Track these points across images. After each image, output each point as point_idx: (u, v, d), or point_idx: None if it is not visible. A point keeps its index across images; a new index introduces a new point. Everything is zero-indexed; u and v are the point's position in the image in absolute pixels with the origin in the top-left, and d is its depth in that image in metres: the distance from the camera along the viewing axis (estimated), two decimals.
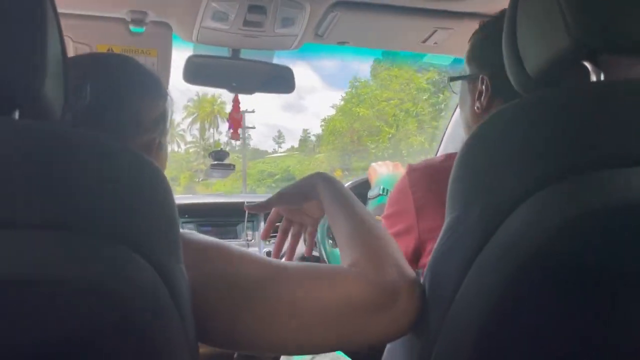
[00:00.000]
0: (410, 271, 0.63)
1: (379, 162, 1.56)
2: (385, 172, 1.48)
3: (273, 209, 0.93)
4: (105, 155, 0.46)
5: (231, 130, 1.53)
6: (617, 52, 0.58)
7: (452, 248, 0.57)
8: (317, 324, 0.59)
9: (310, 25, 1.20)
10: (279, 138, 38.32)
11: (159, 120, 0.79)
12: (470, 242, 0.53)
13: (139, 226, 0.45)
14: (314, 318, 0.59)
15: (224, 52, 1.41)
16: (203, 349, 0.64)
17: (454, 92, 1.06)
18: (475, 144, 0.58)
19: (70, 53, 1.18)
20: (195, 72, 1.33)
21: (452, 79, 1.03)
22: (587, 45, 0.56)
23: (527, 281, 0.49)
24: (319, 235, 1.54)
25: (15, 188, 0.40)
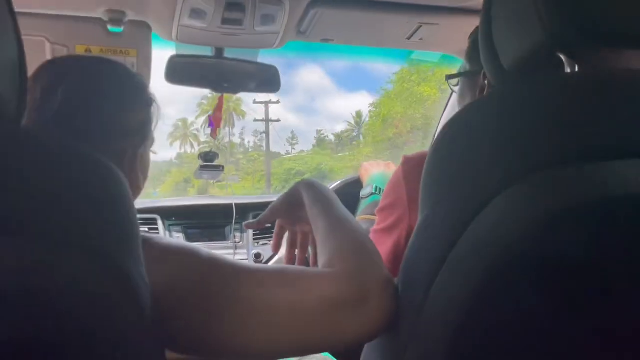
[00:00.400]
0: (383, 270, 0.62)
1: (371, 162, 1.56)
2: (377, 171, 1.47)
3: (277, 222, 0.93)
4: (58, 158, 0.44)
5: (210, 129, 1.52)
6: (592, 44, 0.56)
7: (424, 246, 0.55)
8: (289, 326, 0.58)
9: (291, 22, 1.19)
10: (292, 140, 37.15)
11: (134, 131, 0.77)
12: (441, 239, 0.52)
13: (94, 231, 0.43)
14: (286, 320, 0.58)
15: (208, 52, 1.39)
16: (175, 356, 0.63)
17: (454, 91, 1.05)
18: (446, 140, 0.56)
19: (48, 54, 1.17)
20: (177, 72, 1.32)
21: (451, 76, 1.02)
22: (561, 37, 0.54)
23: (500, 278, 0.47)
24: None
25: None
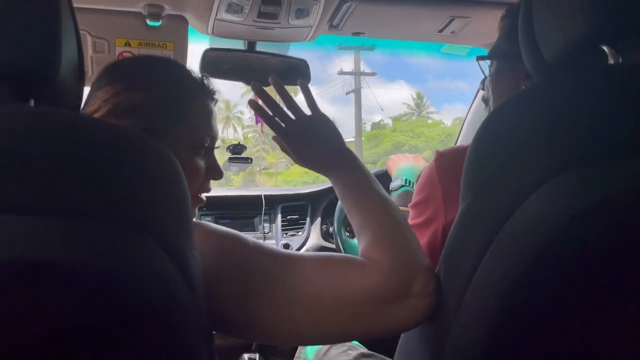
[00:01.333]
0: (425, 260, 0.62)
1: (398, 155, 1.55)
2: (405, 163, 1.47)
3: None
4: (118, 143, 0.46)
5: (259, 124, 1.54)
6: (635, 36, 0.56)
7: (466, 236, 0.56)
8: (332, 315, 0.59)
9: (324, 16, 1.20)
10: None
11: (132, 111, 0.73)
12: (484, 229, 0.53)
13: (153, 213, 0.45)
14: (329, 309, 0.59)
15: (240, 45, 1.41)
16: (221, 341, 0.65)
17: (484, 74, 1.00)
18: (489, 131, 0.57)
19: (89, 47, 1.20)
20: (211, 65, 1.34)
21: (483, 57, 0.96)
22: (605, 29, 0.55)
23: (542, 268, 0.48)
24: (335, 225, 1.54)
25: (30, 175, 0.40)
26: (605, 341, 0.49)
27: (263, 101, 0.82)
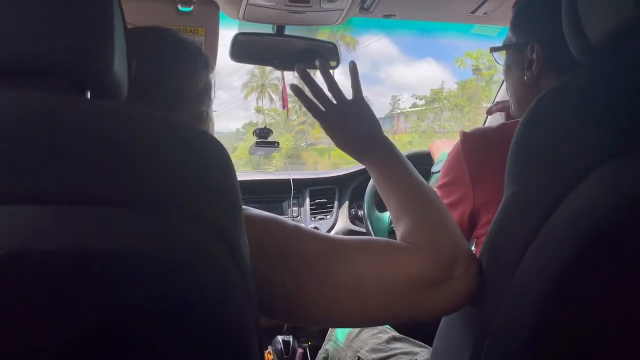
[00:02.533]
0: (465, 244, 0.62)
1: (442, 139, 1.55)
2: (449, 148, 1.47)
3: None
4: (174, 135, 0.47)
5: (287, 109, 1.54)
6: None
7: (512, 222, 0.56)
8: (375, 299, 0.60)
9: None
10: None
11: (202, 91, 0.78)
12: (531, 216, 0.52)
13: (205, 201, 0.46)
14: (372, 293, 0.59)
15: (269, 29, 1.41)
16: (265, 321, 0.66)
17: (498, 63, 1.01)
18: (536, 117, 0.56)
19: None
20: (241, 50, 1.35)
21: (495, 48, 0.97)
22: None
23: (590, 256, 0.48)
24: (365, 209, 1.55)
25: (91, 167, 0.41)
26: None
27: (306, 84, 0.81)
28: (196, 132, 0.49)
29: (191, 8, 1.20)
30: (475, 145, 0.90)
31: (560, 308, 0.50)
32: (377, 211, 1.57)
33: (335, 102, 0.79)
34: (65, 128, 0.41)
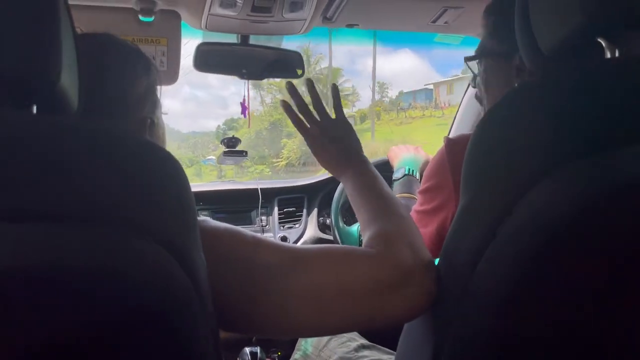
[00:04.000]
0: (425, 252, 0.63)
1: (400, 146, 1.56)
2: (407, 154, 1.47)
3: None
4: (120, 147, 0.46)
5: (249, 118, 1.54)
6: (633, 28, 0.57)
7: (467, 229, 0.57)
8: (335, 306, 0.60)
9: (318, 8, 1.19)
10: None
11: (144, 96, 0.76)
12: (485, 223, 0.53)
13: (156, 215, 0.45)
14: (332, 300, 0.60)
15: (233, 39, 1.41)
16: (222, 335, 0.65)
17: (473, 72, 1.00)
18: (489, 126, 0.57)
19: None
20: (205, 59, 1.34)
21: (471, 58, 0.97)
22: (601, 20, 0.55)
23: (545, 260, 0.49)
24: (332, 217, 1.55)
25: (31, 181, 0.40)
26: (611, 337, 0.49)
27: (294, 101, 0.86)
28: (145, 144, 0.48)
29: (152, 18, 1.19)
30: (459, 150, 0.89)
31: (514, 313, 0.51)
32: (345, 225, 1.57)
33: (319, 119, 0.84)
34: (3, 144, 0.40)
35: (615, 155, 0.48)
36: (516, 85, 0.88)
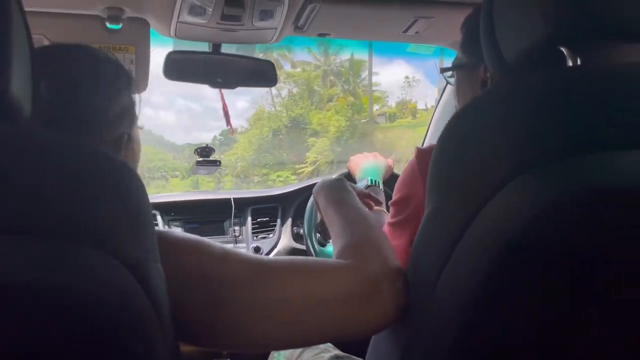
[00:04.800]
0: (394, 262, 0.63)
1: (358, 155, 1.55)
2: (367, 163, 1.47)
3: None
4: (73, 157, 0.45)
5: (230, 126, 1.53)
6: (594, 37, 0.58)
7: (432, 238, 0.56)
8: (303, 317, 0.59)
9: (289, 17, 1.19)
10: None
11: (123, 113, 0.76)
12: (449, 231, 0.53)
13: (109, 227, 0.44)
14: (300, 312, 0.59)
15: (205, 47, 1.39)
16: (191, 348, 0.63)
17: (449, 83, 1.03)
18: (452, 134, 0.57)
19: None
20: (175, 68, 1.32)
21: (446, 69, 1.00)
22: (562, 30, 0.56)
23: (507, 267, 0.49)
24: (305, 227, 1.54)
25: None
26: (572, 341, 0.49)
27: None
28: (98, 154, 0.47)
29: (120, 25, 1.17)
30: (429, 161, 0.90)
31: (478, 321, 0.51)
32: (320, 237, 1.56)
33: None
34: None
35: (571, 163, 0.49)
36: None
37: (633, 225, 0.46)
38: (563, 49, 0.58)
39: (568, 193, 0.47)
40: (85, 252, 0.41)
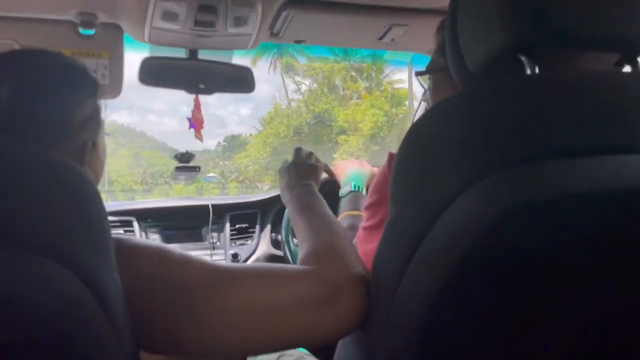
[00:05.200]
0: (357, 268, 0.63)
1: (344, 161, 1.55)
2: (352, 169, 1.47)
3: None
4: (22, 163, 0.44)
5: (193, 129, 1.52)
6: (551, 45, 0.59)
7: (392, 244, 0.57)
8: (264, 324, 0.59)
9: (264, 24, 1.19)
10: None
11: (89, 120, 0.74)
12: (408, 238, 0.53)
13: (61, 236, 0.43)
14: (262, 318, 0.59)
15: (182, 54, 1.39)
16: (154, 358, 0.63)
17: (424, 87, 1.04)
18: (412, 140, 0.58)
19: None
20: (151, 73, 1.31)
21: (421, 73, 1.00)
22: (521, 38, 0.57)
23: (464, 275, 0.49)
24: (283, 234, 1.54)
25: None
26: (534, 349, 0.50)
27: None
28: (51, 160, 0.46)
29: (93, 31, 1.16)
30: None
31: (436, 328, 0.51)
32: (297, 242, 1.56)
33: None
34: None
35: (529, 170, 0.49)
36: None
37: (590, 231, 0.47)
38: (522, 57, 0.59)
39: (529, 199, 0.47)
40: (34, 261, 0.40)
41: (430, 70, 0.98)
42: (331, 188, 1.57)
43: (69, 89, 0.73)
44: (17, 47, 1.14)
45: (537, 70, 0.59)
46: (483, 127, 0.53)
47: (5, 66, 0.72)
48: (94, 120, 0.76)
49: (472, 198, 0.50)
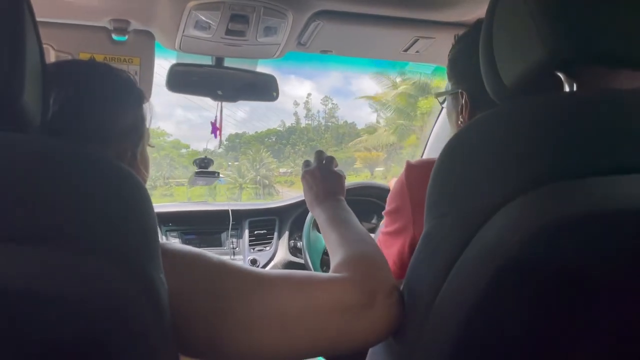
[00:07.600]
0: (389, 278, 0.64)
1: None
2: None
3: None
4: (84, 167, 0.46)
5: (220, 139, 1.54)
6: (590, 63, 0.59)
7: (430, 255, 0.57)
8: (300, 330, 0.60)
9: (292, 34, 1.21)
10: None
11: (131, 130, 0.77)
12: (447, 249, 0.54)
13: (118, 237, 0.45)
14: (296, 323, 0.60)
15: (208, 60, 1.41)
16: None
17: (442, 106, 1.08)
18: (452, 153, 0.59)
19: (52, 61, 1.17)
20: (178, 80, 1.33)
21: (439, 94, 1.06)
22: (560, 55, 0.57)
23: (504, 287, 0.49)
24: (304, 241, 1.55)
25: None
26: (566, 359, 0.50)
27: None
28: (110, 165, 0.47)
29: (126, 37, 1.18)
30: (418, 176, 0.93)
31: (475, 344, 0.52)
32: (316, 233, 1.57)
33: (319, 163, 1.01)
34: None
35: (568, 186, 0.50)
36: (459, 124, 0.95)
37: (622, 248, 0.47)
38: (560, 74, 0.59)
39: (567, 215, 0.48)
40: (94, 262, 0.41)
41: (440, 93, 1.04)
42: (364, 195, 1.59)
43: (114, 98, 0.75)
44: (52, 51, 1.16)
45: (574, 87, 0.59)
46: (522, 144, 0.54)
47: (53, 74, 0.74)
48: (137, 131, 0.78)
49: (510, 212, 0.51)
